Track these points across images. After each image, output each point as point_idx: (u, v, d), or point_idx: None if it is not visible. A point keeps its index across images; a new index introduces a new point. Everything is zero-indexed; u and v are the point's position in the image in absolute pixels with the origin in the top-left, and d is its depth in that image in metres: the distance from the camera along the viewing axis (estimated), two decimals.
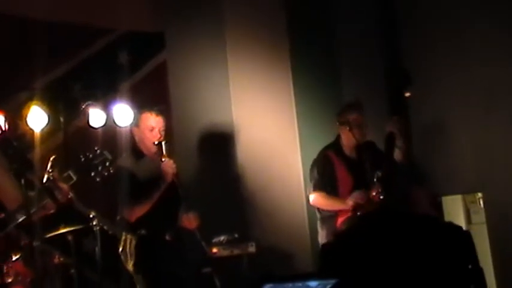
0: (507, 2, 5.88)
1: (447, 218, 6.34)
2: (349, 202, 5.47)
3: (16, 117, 5.07)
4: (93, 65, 6.25)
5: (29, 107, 5.20)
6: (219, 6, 6.48)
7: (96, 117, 5.54)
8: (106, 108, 5.57)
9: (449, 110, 6.34)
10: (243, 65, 6.48)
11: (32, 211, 3.81)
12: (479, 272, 3.23)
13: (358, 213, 5.38)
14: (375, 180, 5.37)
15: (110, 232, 5.02)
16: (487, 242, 6.02)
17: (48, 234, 4.76)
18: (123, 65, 6.38)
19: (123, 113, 5.52)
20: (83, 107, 5.52)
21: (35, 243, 4.03)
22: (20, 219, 3.78)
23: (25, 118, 5.17)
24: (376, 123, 5.84)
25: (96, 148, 4.07)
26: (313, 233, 6.13)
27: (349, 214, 5.50)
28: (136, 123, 5.36)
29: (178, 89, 6.69)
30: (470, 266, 3.14)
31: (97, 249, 4.80)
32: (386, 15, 6.82)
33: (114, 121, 5.51)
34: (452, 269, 3.03)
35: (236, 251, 5.76)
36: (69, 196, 4.04)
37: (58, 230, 4.84)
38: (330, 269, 2.97)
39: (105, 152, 4.08)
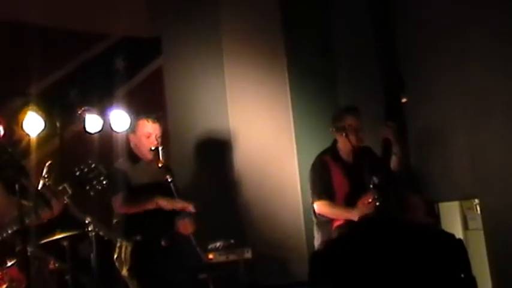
0: (503, 7, 5.89)
1: (444, 225, 6.34)
2: (355, 213, 5.45)
3: (12, 122, 5.06)
4: (90, 70, 6.25)
5: (25, 113, 5.19)
6: (215, 12, 6.49)
7: (92, 122, 5.54)
8: (102, 113, 5.57)
9: (445, 116, 6.34)
10: (239, 71, 6.48)
11: (26, 221, 3.81)
12: (472, 281, 3.20)
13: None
14: (371, 186, 5.37)
15: (106, 238, 5.01)
16: (484, 248, 6.02)
17: (44, 239, 4.75)
18: (119, 70, 6.37)
19: (119, 119, 5.52)
20: (79, 112, 5.52)
21: (30, 249, 4.02)
22: (14, 229, 3.77)
23: (21, 123, 5.16)
24: (372, 128, 5.83)
25: (90, 162, 4.06)
26: (310, 238, 6.12)
27: (345, 220, 5.50)
28: (132, 129, 5.40)
29: (175, 94, 6.69)
30: (462, 275, 3.12)
31: (92, 255, 4.79)
32: (382, 20, 6.83)
33: (110, 127, 5.51)
34: (444, 278, 3.00)
35: (232, 257, 5.75)
36: (65, 202, 4.03)
37: (53, 235, 4.83)
38: (321, 277, 2.96)
39: (100, 166, 4.08)
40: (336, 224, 5.58)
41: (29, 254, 3.83)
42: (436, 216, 6.30)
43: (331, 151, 5.81)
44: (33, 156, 5.06)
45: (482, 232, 6.11)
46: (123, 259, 5.05)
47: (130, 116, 5.53)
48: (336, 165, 5.73)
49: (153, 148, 5.26)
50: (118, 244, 5.11)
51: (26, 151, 5.08)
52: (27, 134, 5.17)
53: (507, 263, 5.78)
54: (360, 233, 3.15)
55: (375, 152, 5.81)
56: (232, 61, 6.46)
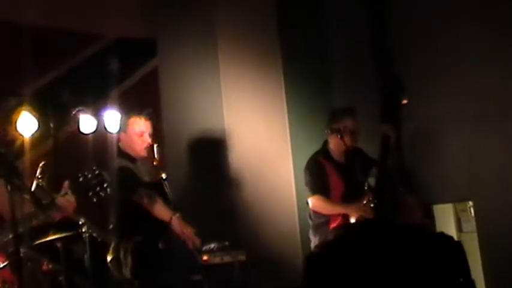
0: (500, 10, 5.89)
1: (438, 227, 6.34)
2: (352, 209, 5.45)
3: (5, 123, 5.04)
4: (84, 71, 6.22)
5: (18, 113, 5.17)
6: (210, 13, 6.49)
7: (86, 123, 5.52)
8: (96, 114, 5.55)
9: (440, 118, 6.34)
10: (234, 72, 6.48)
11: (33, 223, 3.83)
12: (471, 285, 3.17)
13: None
14: (365, 188, 5.37)
15: (99, 239, 4.99)
16: (477, 250, 6.02)
17: (37, 241, 4.73)
18: (114, 71, 6.35)
19: (113, 120, 5.50)
20: (73, 113, 5.50)
21: (23, 250, 4.00)
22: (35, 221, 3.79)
23: (15, 124, 5.14)
24: (368, 130, 5.83)
25: (94, 168, 4.05)
26: (305, 240, 6.12)
27: (341, 220, 5.50)
28: (123, 128, 5.31)
29: (170, 95, 6.67)
30: (461, 279, 3.08)
31: (86, 256, 4.77)
32: (378, 21, 6.82)
33: (104, 127, 5.49)
34: (443, 280, 2.96)
35: (227, 259, 5.73)
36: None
37: (47, 236, 4.81)
38: (315, 280, 2.93)
39: (104, 173, 4.06)
40: (333, 225, 5.58)
41: (22, 255, 3.81)
42: (432, 218, 6.30)
43: (324, 152, 5.82)
44: (27, 157, 5.03)
45: (476, 234, 6.11)
46: (122, 259, 4.99)
47: (120, 114, 5.44)
48: (330, 166, 5.74)
49: (146, 146, 5.17)
50: (113, 245, 5.05)
51: (20, 152, 5.05)
52: (21, 135, 5.15)
53: (501, 266, 5.79)
54: (356, 235, 3.11)
55: (366, 153, 5.82)
56: (227, 62, 6.45)
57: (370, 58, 6.83)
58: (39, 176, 3.96)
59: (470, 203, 6.27)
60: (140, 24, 6.76)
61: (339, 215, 5.58)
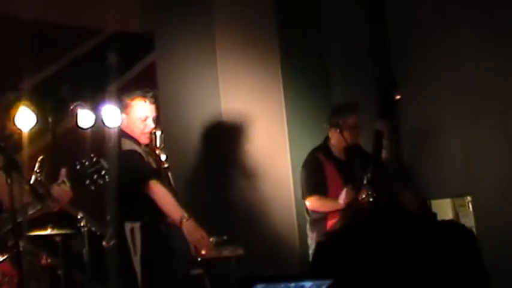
0: (499, 8, 5.91)
1: None
2: (340, 202, 5.46)
3: (4, 117, 5.03)
4: (82, 65, 6.22)
5: (17, 108, 5.16)
6: (208, 7, 6.47)
7: (84, 118, 5.50)
8: (95, 109, 5.53)
9: (438, 113, 6.36)
10: (232, 67, 6.47)
11: (30, 212, 3.82)
12: (484, 276, 3.05)
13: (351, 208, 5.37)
14: (364, 182, 5.38)
15: (98, 233, 4.97)
16: None
17: (36, 233, 4.72)
18: (112, 65, 6.34)
19: (112, 114, 5.49)
20: (72, 107, 5.48)
21: (22, 244, 3.99)
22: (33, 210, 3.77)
23: (13, 118, 5.13)
24: (366, 125, 5.84)
25: (92, 155, 4.01)
26: (302, 235, 6.12)
27: (339, 216, 5.50)
28: (125, 110, 5.00)
29: (168, 89, 6.66)
30: (473, 268, 2.95)
31: (85, 250, 4.77)
32: (376, 18, 6.83)
33: (102, 122, 5.48)
34: (454, 271, 2.87)
35: (225, 253, 5.73)
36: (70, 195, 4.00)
37: (45, 230, 4.80)
38: (325, 268, 2.90)
39: (102, 160, 4.02)
40: (331, 221, 5.58)
41: (21, 249, 3.81)
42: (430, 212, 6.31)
43: (324, 148, 5.81)
44: (25, 152, 5.02)
45: (474, 229, 6.12)
46: (129, 245, 4.74)
47: (122, 95, 5.11)
48: (329, 163, 5.73)
49: (147, 132, 4.86)
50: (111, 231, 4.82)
51: (18, 146, 5.04)
52: (19, 129, 5.13)
53: (499, 260, 5.80)
54: (366, 223, 3.06)
55: (364, 149, 5.82)
56: (225, 56, 6.44)
57: (368, 54, 6.84)
58: (38, 171, 3.95)
59: (469, 198, 6.29)
60: (138, 18, 6.76)
61: (336, 211, 5.58)
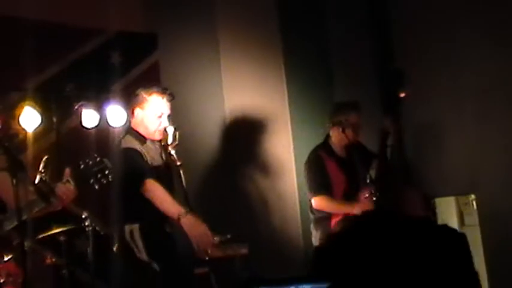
0: (498, 8, 5.91)
1: (440, 220, 6.35)
2: (357, 207, 5.42)
3: (8, 117, 5.04)
4: (86, 65, 6.23)
5: (21, 108, 5.18)
6: (211, 6, 6.48)
7: (89, 117, 5.52)
8: (99, 108, 5.55)
9: (442, 111, 6.36)
10: (236, 66, 6.48)
11: (34, 211, 3.83)
12: (474, 276, 3.16)
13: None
14: (367, 181, 5.38)
15: (103, 233, 4.98)
16: (480, 243, 6.03)
17: (40, 234, 4.74)
18: (115, 65, 6.35)
19: (116, 114, 5.50)
20: (76, 107, 5.49)
21: (27, 244, 4.01)
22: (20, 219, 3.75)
23: (17, 118, 5.15)
24: (368, 124, 5.84)
25: (96, 155, 4.02)
26: (306, 234, 6.13)
27: (343, 215, 5.50)
28: (140, 103, 4.88)
29: (171, 89, 6.64)
30: (465, 270, 3.07)
31: (89, 249, 4.78)
32: (379, 16, 6.83)
33: (107, 121, 5.49)
34: (447, 273, 2.96)
35: (229, 252, 5.73)
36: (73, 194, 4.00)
37: (50, 230, 4.81)
38: (323, 271, 2.93)
39: (105, 160, 4.01)
40: (335, 219, 5.58)
41: (25, 248, 3.82)
42: (433, 211, 6.31)
43: (325, 146, 5.82)
44: (30, 151, 5.03)
45: (478, 228, 6.12)
46: (132, 245, 4.66)
47: (139, 88, 4.96)
48: (331, 161, 5.74)
49: (161, 129, 4.76)
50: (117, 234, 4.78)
51: (23, 146, 5.06)
52: (24, 129, 5.15)
53: (503, 258, 5.80)
54: (364, 226, 3.10)
55: (366, 147, 5.83)
56: (228, 56, 6.45)
57: (371, 54, 6.84)
58: (42, 171, 3.95)
59: (473, 196, 6.29)
60: (141, 18, 6.77)
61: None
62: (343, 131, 5.66)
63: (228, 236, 5.79)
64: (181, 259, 4.69)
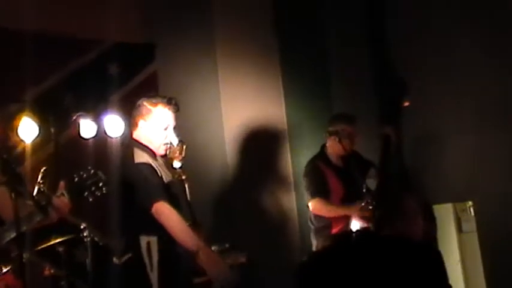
0: (502, 12, 5.94)
1: (438, 227, 6.35)
2: (353, 209, 5.44)
3: (7, 128, 5.06)
4: (84, 76, 6.24)
5: (19, 119, 5.19)
6: (209, 17, 6.50)
7: (87, 128, 5.53)
8: (97, 119, 5.56)
9: (440, 119, 6.38)
10: (233, 77, 6.50)
11: (33, 222, 3.84)
12: None
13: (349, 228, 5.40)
14: (364, 190, 5.40)
15: (101, 243, 4.98)
16: (477, 250, 6.05)
17: (39, 245, 4.74)
18: (113, 76, 6.37)
19: (114, 124, 5.51)
20: (74, 118, 5.51)
21: (26, 255, 4.02)
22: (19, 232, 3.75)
23: (16, 129, 5.16)
24: (366, 133, 5.87)
25: (90, 168, 4.03)
26: (304, 243, 6.13)
27: (343, 225, 5.52)
28: (144, 114, 4.49)
29: None
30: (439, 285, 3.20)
31: (88, 260, 4.78)
32: (377, 26, 6.85)
33: (105, 132, 5.50)
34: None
35: (227, 261, 5.73)
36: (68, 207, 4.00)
37: (49, 241, 4.82)
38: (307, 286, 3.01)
39: (99, 172, 4.03)
40: (334, 230, 5.60)
41: (24, 260, 3.83)
42: (433, 219, 6.32)
43: (322, 156, 5.85)
44: (28, 162, 5.04)
45: (476, 234, 6.14)
46: (145, 260, 4.29)
47: (141, 99, 4.59)
48: (328, 170, 5.77)
49: (171, 143, 4.45)
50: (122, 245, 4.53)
51: (21, 157, 5.07)
52: (22, 140, 5.16)
53: (501, 265, 5.81)
54: (343, 246, 3.24)
55: (362, 155, 5.85)
56: (226, 67, 6.47)
57: (369, 63, 6.86)
58: (41, 182, 3.96)
59: (470, 203, 6.30)
60: (139, 29, 6.78)
61: (340, 218, 5.59)
62: (340, 141, 5.69)
63: (227, 245, 5.82)
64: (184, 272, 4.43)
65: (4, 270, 3.90)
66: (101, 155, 5.41)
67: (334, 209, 5.64)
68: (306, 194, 5.83)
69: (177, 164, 4.55)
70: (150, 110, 4.47)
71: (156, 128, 4.46)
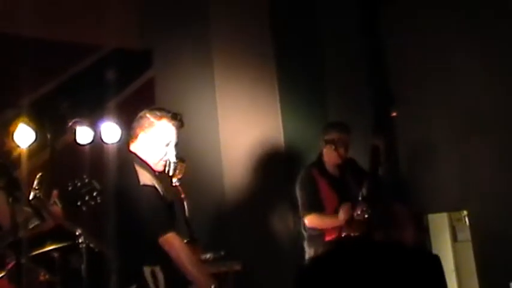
0: (492, 23, 5.96)
1: (433, 236, 6.37)
2: (341, 217, 5.46)
3: (3, 134, 5.06)
4: (81, 82, 6.25)
5: (16, 124, 5.19)
6: (206, 25, 6.52)
7: (83, 134, 5.54)
8: (93, 125, 5.57)
9: (435, 128, 6.39)
10: (230, 84, 6.51)
11: (29, 228, 3.83)
12: None
13: (343, 234, 5.39)
14: (359, 198, 5.40)
15: (96, 250, 4.97)
16: (472, 259, 6.05)
17: (34, 251, 4.73)
18: (110, 82, 6.37)
19: (110, 131, 5.52)
20: (70, 124, 5.51)
21: (21, 261, 4.01)
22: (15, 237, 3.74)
23: (12, 135, 5.16)
24: (361, 142, 5.87)
25: (84, 176, 3.99)
26: (300, 251, 6.13)
27: (336, 234, 5.51)
28: (145, 127, 4.20)
29: (166, 106, 6.67)
30: None
31: (83, 267, 4.77)
32: (372, 37, 6.87)
33: (101, 138, 5.50)
34: None
35: (222, 269, 5.74)
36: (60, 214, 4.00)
37: (44, 247, 4.81)
38: None
39: (94, 182, 3.96)
40: (328, 238, 5.60)
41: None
42: (424, 229, 6.33)
43: (318, 164, 5.84)
44: (24, 168, 5.04)
45: (471, 243, 6.15)
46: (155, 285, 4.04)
47: (144, 110, 4.30)
48: (322, 179, 5.76)
49: (166, 159, 4.15)
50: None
51: (17, 163, 5.07)
52: (18, 146, 5.16)
53: (496, 275, 5.81)
54: (342, 251, 3.22)
55: (358, 163, 5.86)
56: (222, 74, 6.47)
57: (365, 73, 6.88)
58: (37, 187, 3.96)
59: (465, 212, 6.32)
60: (136, 36, 6.80)
61: (335, 228, 5.59)
62: (336, 149, 5.69)
63: (222, 253, 5.81)
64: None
65: None
66: (97, 161, 5.41)
67: (330, 221, 5.62)
68: (299, 205, 5.81)
69: (176, 180, 4.28)
70: (152, 123, 4.19)
71: (157, 142, 4.18)
